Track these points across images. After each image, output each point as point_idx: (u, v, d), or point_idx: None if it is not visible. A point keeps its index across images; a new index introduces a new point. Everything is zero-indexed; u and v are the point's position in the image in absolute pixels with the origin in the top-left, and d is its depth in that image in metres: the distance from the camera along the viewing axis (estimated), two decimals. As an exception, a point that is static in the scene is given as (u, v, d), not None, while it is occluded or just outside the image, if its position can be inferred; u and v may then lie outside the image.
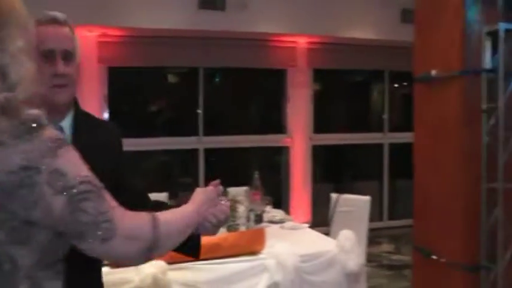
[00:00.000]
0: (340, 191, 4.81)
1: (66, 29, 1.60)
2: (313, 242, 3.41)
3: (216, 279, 2.75)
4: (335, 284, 3.03)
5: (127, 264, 2.39)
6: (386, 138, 7.81)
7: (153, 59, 6.43)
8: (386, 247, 6.69)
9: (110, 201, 1.12)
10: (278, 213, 4.05)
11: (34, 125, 1.03)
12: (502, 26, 3.29)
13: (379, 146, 7.85)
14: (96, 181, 1.10)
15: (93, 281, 1.65)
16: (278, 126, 7.37)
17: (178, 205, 1.45)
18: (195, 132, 6.82)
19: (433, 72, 3.56)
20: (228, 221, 1.63)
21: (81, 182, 1.06)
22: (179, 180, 7.40)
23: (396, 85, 8.04)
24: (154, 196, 1.96)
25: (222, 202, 1.53)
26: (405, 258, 5.80)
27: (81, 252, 1.11)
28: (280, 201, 7.24)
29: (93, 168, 1.12)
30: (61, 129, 1.57)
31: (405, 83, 7.88)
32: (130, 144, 1.97)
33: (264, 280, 2.77)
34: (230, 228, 3.47)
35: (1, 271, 1.03)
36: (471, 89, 3.38)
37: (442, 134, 3.51)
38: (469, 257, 3.39)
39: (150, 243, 1.16)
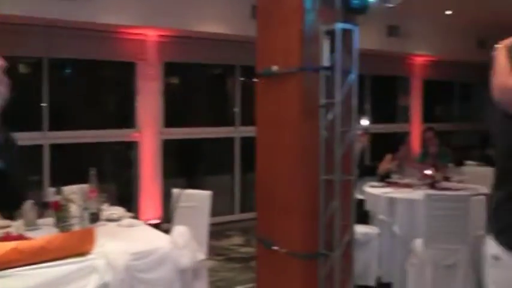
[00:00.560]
0: (193, 185, 4.78)
1: None
2: (147, 239, 3.33)
3: (40, 284, 2.57)
4: (167, 281, 2.98)
5: None
6: (237, 132, 7.92)
7: (-9, 47, 5.92)
8: (236, 240, 6.79)
9: None
10: (117, 211, 3.90)
11: None
12: (338, 26, 3.44)
13: (231, 140, 7.94)
14: None
15: None
16: (128, 121, 7.17)
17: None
18: (39, 127, 6.41)
19: (274, 68, 3.64)
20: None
21: None
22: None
23: (247, 79, 8.17)
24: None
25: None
26: (253, 250, 5.91)
27: None
28: (130, 197, 7.07)
29: None
30: None
31: (255, 78, 8.02)
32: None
33: (92, 281, 2.64)
34: (63, 229, 3.29)
35: None
36: (310, 85, 3.50)
37: (282, 128, 3.60)
38: (308, 246, 3.52)
39: None
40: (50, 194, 3.65)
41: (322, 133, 3.50)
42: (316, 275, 3.54)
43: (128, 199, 6.90)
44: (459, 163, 6.60)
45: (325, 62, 3.51)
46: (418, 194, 4.55)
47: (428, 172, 5.32)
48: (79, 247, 2.80)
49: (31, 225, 3.46)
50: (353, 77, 3.54)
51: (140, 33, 6.78)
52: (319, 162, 3.50)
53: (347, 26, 3.49)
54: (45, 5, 5.66)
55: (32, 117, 6.50)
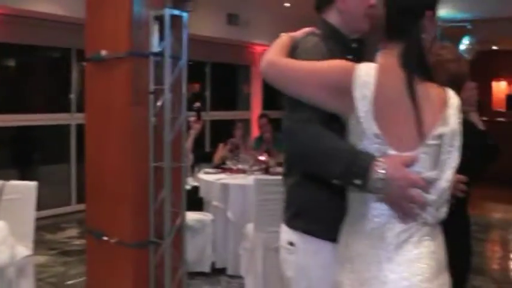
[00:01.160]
0: (26, 176, 4.46)
1: None
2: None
3: None
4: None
5: None
6: (73, 119, 7.56)
7: None
8: (72, 232, 6.52)
9: None
10: None
11: None
12: (167, 11, 3.40)
13: (67, 127, 7.57)
14: None
15: None
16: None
17: None
18: None
19: (103, 53, 3.51)
20: None
21: None
22: None
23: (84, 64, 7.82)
24: None
25: None
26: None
27: None
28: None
29: None
30: None
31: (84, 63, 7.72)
32: None
33: None
34: None
35: None
36: (139, 71, 3.43)
37: (111, 115, 3.50)
38: (139, 235, 3.46)
39: None
40: None
41: (151, 120, 3.45)
42: (148, 264, 3.50)
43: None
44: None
45: (155, 47, 3.46)
46: (250, 179, 4.66)
47: (262, 158, 5.49)
48: None
49: None
50: (183, 63, 3.52)
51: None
52: (149, 149, 3.46)
53: (176, 12, 3.47)
54: None
55: None
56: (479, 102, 2.59)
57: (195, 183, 5.33)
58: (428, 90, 1.64)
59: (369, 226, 1.63)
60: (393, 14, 1.66)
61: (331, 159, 1.59)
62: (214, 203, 4.94)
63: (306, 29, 2.01)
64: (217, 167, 5.63)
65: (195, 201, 4.97)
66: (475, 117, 2.52)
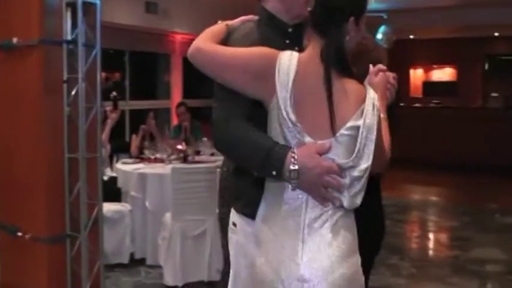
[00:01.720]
0: None
1: None
2: None
3: None
4: None
5: None
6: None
7: None
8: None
9: None
10: None
11: None
12: (79, -1, 3.32)
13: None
14: None
15: None
16: None
17: None
18: None
19: (14, 40, 3.39)
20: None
21: None
22: None
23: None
24: None
25: None
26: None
27: None
28: None
29: None
30: None
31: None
32: None
33: None
34: None
35: None
36: (52, 59, 3.35)
37: (24, 104, 3.39)
38: (54, 228, 3.39)
39: None
40: None
41: (65, 109, 3.37)
42: (65, 258, 3.43)
43: None
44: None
45: (68, 35, 3.38)
46: (168, 168, 4.64)
47: (179, 147, 5.47)
48: None
49: None
50: (97, 51, 3.46)
51: None
52: (63, 139, 3.38)
53: (89, -1, 3.40)
54: None
55: None
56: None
57: (113, 174, 5.25)
58: (346, 86, 1.71)
59: (284, 209, 1.71)
60: (319, 11, 1.73)
61: (251, 152, 1.70)
62: (132, 193, 4.90)
63: (244, 17, 2.04)
64: (135, 157, 5.56)
65: (113, 192, 4.90)
66: None
